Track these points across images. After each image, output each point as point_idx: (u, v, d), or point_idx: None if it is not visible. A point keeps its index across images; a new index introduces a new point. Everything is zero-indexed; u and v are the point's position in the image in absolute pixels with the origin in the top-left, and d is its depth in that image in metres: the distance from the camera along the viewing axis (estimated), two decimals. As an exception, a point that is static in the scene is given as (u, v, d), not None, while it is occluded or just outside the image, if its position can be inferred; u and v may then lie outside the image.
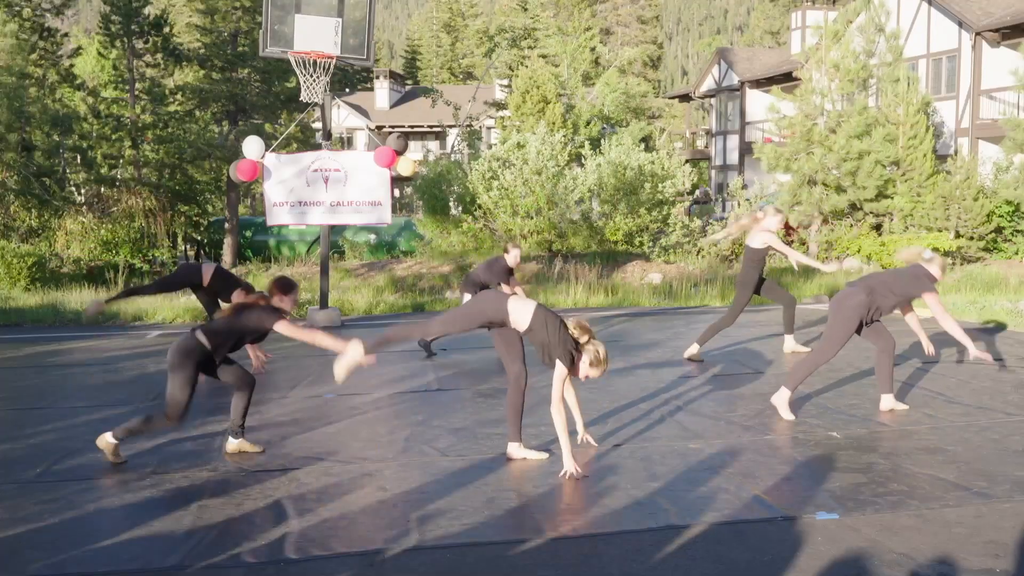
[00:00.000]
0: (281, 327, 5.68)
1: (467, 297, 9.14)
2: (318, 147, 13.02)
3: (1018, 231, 18.72)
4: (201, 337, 5.68)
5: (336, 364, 5.35)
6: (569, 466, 5.25)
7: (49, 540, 4.46)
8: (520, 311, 5.35)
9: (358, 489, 5.14)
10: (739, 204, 19.95)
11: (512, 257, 9.32)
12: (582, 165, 20.89)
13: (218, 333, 5.72)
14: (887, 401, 6.82)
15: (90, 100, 21.07)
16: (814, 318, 11.93)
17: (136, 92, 20.70)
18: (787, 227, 20.14)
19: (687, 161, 24.82)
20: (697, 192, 32.84)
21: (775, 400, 6.75)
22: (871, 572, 3.96)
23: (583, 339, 5.30)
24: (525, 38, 41.00)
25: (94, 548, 4.36)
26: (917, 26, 26.05)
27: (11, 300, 14.19)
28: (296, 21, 11.32)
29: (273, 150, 11.96)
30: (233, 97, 21.45)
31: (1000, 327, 11.09)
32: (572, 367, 5.29)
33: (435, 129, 49.61)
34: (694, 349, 9.08)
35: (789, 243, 20.19)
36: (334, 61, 11.64)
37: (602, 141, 22.44)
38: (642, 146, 21.61)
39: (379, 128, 49.30)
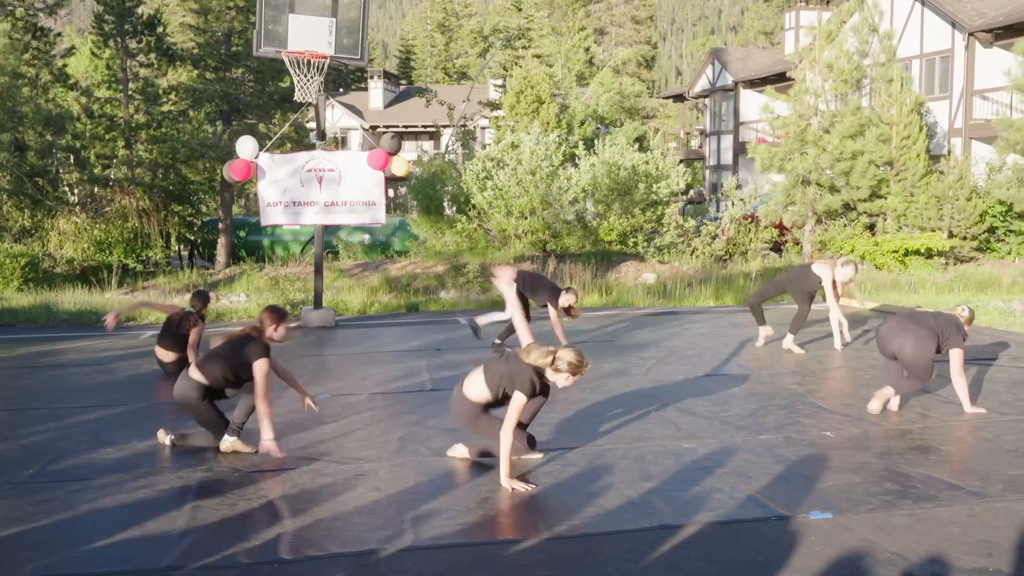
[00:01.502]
0: (260, 366, 5.71)
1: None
2: (312, 147, 13.02)
3: (1011, 231, 18.78)
4: (196, 375, 5.78)
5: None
6: (505, 484, 5.09)
7: (43, 541, 4.45)
8: (475, 383, 5.33)
9: (352, 489, 5.14)
10: (733, 204, 19.99)
11: (567, 298, 9.22)
12: (576, 165, 20.89)
13: (213, 369, 5.78)
14: (876, 405, 6.78)
15: (83, 100, 20.96)
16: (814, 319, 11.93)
17: (129, 92, 20.61)
18: (780, 227, 20.18)
19: (681, 161, 24.87)
20: (691, 192, 32.88)
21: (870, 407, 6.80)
22: (865, 571, 3.97)
23: (547, 361, 5.15)
24: (519, 38, 41.01)
25: (88, 549, 4.35)
26: (910, 26, 26.12)
27: (4, 300, 14.14)
28: (290, 21, 11.30)
29: (267, 150, 11.94)
30: (227, 97, 21.38)
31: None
32: (540, 393, 5.21)
33: (429, 129, 49.61)
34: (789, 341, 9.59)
35: (783, 243, 20.28)
36: (328, 61, 11.62)
37: (596, 141, 22.44)
38: (636, 146, 21.62)
39: (373, 128, 49.26)
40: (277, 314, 6.00)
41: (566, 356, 5.17)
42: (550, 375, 5.21)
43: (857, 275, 9.75)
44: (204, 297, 8.72)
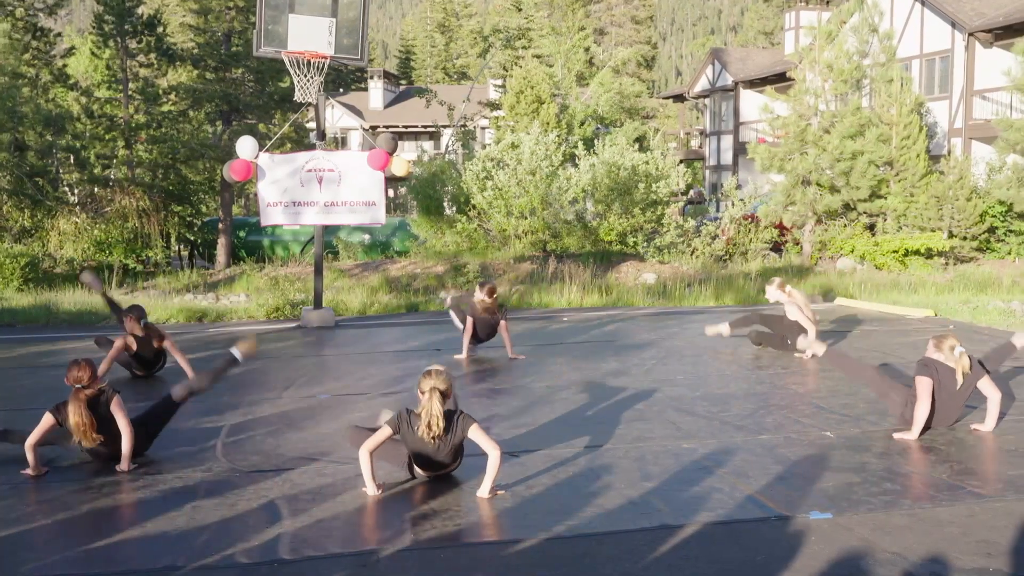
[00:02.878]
0: (117, 402, 5.64)
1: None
2: (312, 147, 13.01)
3: (1011, 231, 18.78)
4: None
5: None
6: (484, 493, 5.01)
7: (42, 541, 4.46)
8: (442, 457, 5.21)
9: (352, 489, 5.14)
10: (733, 204, 19.99)
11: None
12: (576, 165, 20.88)
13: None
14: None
15: (83, 100, 20.95)
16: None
17: (129, 92, 20.60)
18: (780, 227, 20.18)
19: (681, 161, 24.86)
20: (691, 192, 32.88)
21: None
22: (864, 571, 3.97)
23: (441, 397, 5.06)
24: (519, 38, 40.96)
25: (87, 549, 4.35)
26: (910, 26, 26.12)
27: (4, 300, 14.14)
28: (290, 21, 11.30)
29: (267, 150, 11.94)
30: (227, 97, 21.37)
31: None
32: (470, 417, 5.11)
33: (429, 129, 49.62)
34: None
35: (783, 243, 20.29)
36: (328, 61, 11.62)
37: (596, 141, 22.43)
38: (636, 146, 21.60)
39: (373, 128, 49.28)
40: (90, 367, 5.63)
41: (431, 383, 5.09)
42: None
43: (785, 293, 9.41)
44: (135, 312, 8.26)
